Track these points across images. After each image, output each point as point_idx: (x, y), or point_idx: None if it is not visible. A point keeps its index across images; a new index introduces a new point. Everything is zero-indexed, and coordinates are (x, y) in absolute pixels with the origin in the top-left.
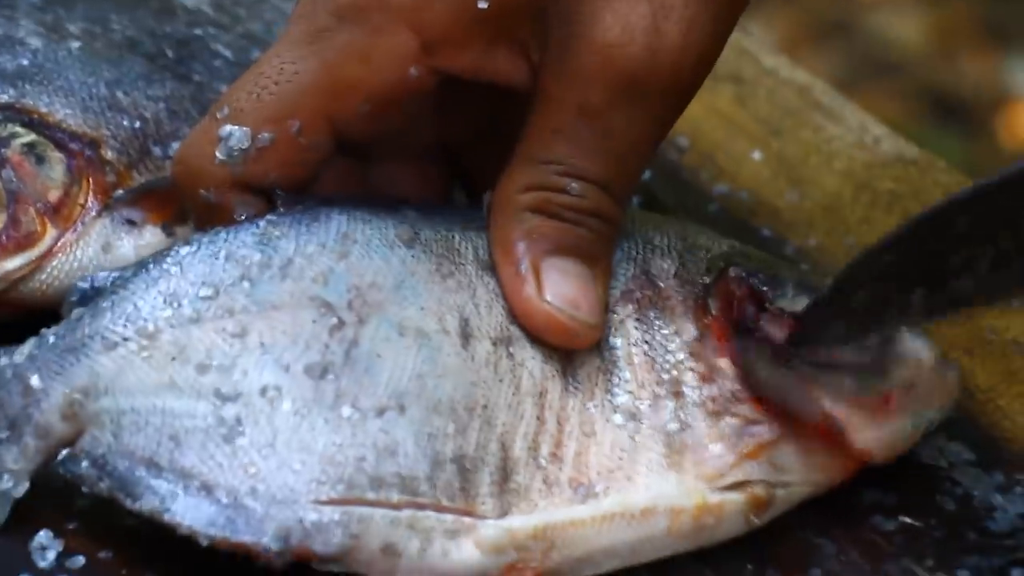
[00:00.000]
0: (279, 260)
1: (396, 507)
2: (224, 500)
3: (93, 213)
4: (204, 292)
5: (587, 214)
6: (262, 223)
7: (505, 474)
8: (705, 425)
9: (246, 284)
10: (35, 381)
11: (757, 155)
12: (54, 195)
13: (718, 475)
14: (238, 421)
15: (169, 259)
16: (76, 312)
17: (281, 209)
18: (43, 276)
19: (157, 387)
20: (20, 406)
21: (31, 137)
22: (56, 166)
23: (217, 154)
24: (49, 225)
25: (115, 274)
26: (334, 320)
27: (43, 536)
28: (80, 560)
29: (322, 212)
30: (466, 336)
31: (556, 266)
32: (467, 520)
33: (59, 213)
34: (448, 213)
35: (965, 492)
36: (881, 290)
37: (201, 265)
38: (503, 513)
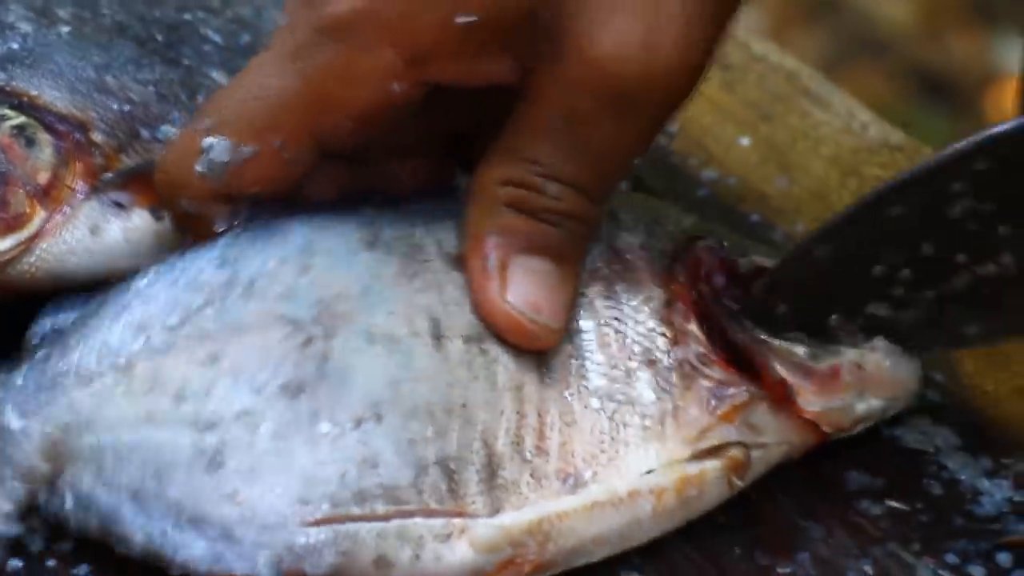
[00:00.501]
0: (242, 281)
1: (384, 518)
2: (212, 532)
3: (81, 196)
4: (171, 321)
5: (562, 216)
6: (220, 244)
7: (491, 471)
8: (680, 388)
9: (210, 309)
10: (13, 422)
11: (745, 141)
12: (43, 177)
13: (698, 436)
14: (218, 450)
15: (130, 292)
16: (41, 353)
17: (237, 226)
18: (32, 258)
19: (135, 421)
20: None
21: (20, 119)
22: (45, 148)
23: (197, 166)
24: (38, 207)
25: (74, 313)
26: (302, 337)
27: (33, 520)
28: (69, 544)
29: (281, 224)
30: (437, 337)
31: (523, 265)
32: (458, 521)
33: (48, 195)
34: (407, 207)
35: (952, 476)
36: (801, 303)
37: (163, 294)
38: (495, 510)
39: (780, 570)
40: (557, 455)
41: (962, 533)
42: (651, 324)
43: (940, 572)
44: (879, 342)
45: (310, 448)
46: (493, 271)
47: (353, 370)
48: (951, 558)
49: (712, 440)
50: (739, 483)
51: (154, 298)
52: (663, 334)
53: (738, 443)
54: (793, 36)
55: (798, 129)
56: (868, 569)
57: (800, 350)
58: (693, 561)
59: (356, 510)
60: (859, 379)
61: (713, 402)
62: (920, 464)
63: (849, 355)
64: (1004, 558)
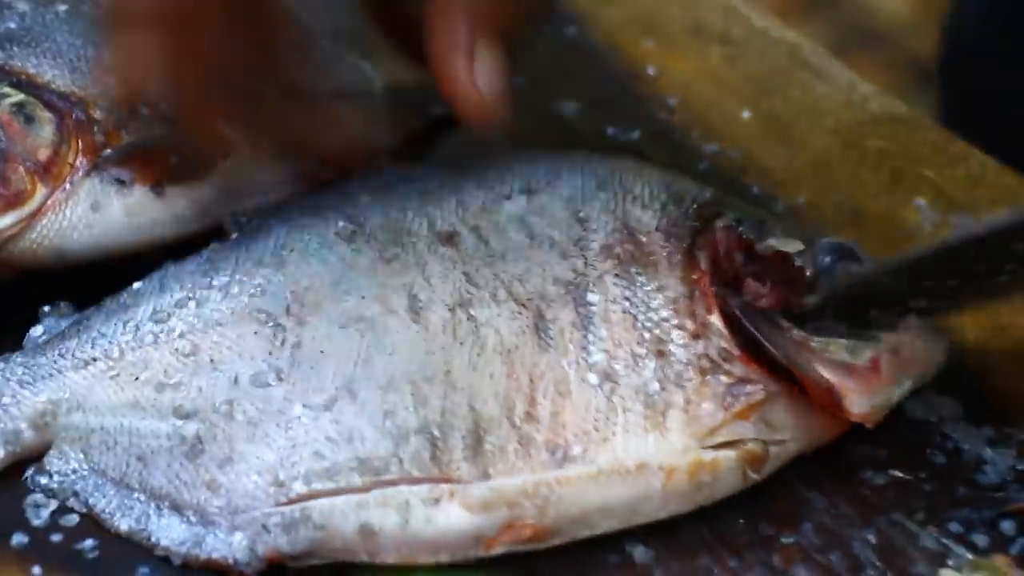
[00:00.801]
0: (220, 282)
1: (362, 490)
2: (192, 518)
3: (82, 172)
4: (157, 317)
5: None
6: (206, 252)
7: (478, 436)
8: (695, 383)
9: (192, 306)
10: (6, 389)
11: (747, 114)
12: (43, 154)
13: (708, 433)
14: (198, 438)
15: (124, 293)
16: (43, 339)
17: (232, 233)
18: (33, 235)
19: (123, 407)
20: None
21: (20, 97)
22: (45, 125)
23: None
24: (39, 184)
25: (75, 315)
26: (274, 328)
27: (37, 495)
28: (74, 518)
29: (262, 229)
30: (415, 310)
31: (485, 53)
32: (445, 486)
33: (49, 172)
34: (408, 186)
35: (955, 446)
36: (847, 308)
37: (153, 295)
38: (481, 476)
39: (784, 540)
40: (547, 425)
41: (966, 502)
42: (665, 314)
43: (944, 541)
44: (912, 320)
45: (283, 432)
46: (460, 60)
47: (325, 354)
48: (955, 527)
49: (724, 436)
50: (754, 476)
51: (144, 297)
52: (680, 326)
53: (755, 439)
54: (792, 27)
55: (799, 102)
56: (872, 538)
57: (839, 345)
58: (697, 532)
59: (331, 485)
60: (896, 365)
61: (728, 399)
62: (924, 434)
63: (886, 342)
64: (1008, 526)
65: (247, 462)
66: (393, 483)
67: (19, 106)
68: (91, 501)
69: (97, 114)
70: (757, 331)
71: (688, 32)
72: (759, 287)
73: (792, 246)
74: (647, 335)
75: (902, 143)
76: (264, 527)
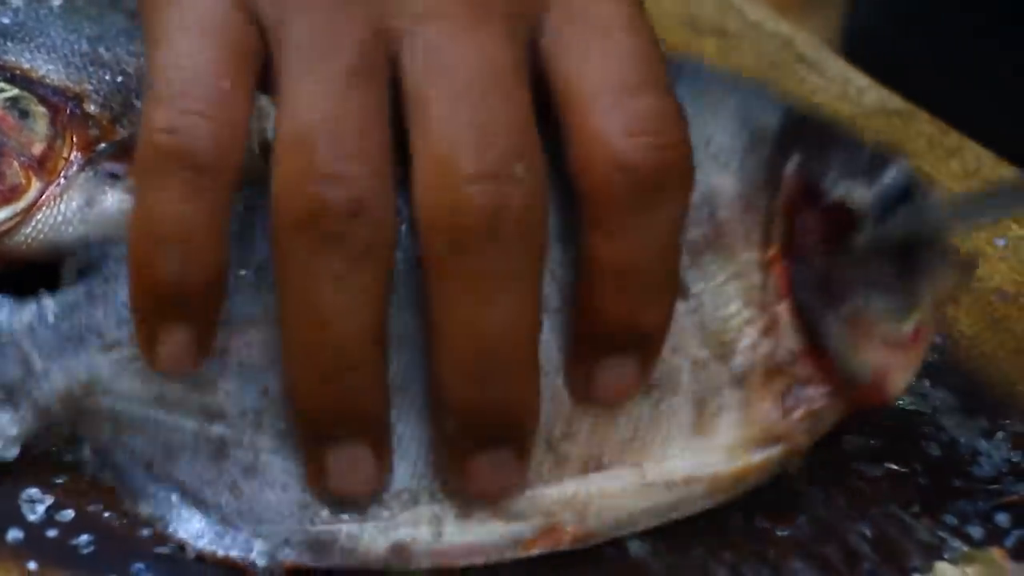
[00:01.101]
0: (253, 277)
1: (391, 514)
2: (213, 515)
3: (76, 167)
4: None
5: None
6: (240, 245)
7: None
8: (756, 385)
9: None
10: (35, 358)
11: None
12: (38, 148)
13: (760, 435)
14: (223, 442)
15: None
16: (75, 288)
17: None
18: (28, 229)
19: (149, 399)
20: (18, 377)
21: (14, 92)
22: (39, 120)
23: None
24: (34, 178)
25: (113, 245)
26: None
27: (32, 490)
28: (70, 513)
29: None
30: None
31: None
32: (477, 500)
33: (43, 167)
34: None
35: (950, 438)
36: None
37: None
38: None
39: (779, 533)
40: (584, 440)
41: (961, 494)
42: (733, 309)
43: (939, 533)
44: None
45: None
46: None
47: None
48: (950, 519)
49: (774, 437)
50: (791, 470)
51: None
52: (750, 322)
53: (803, 435)
54: (790, 24)
55: (794, 95)
56: (867, 531)
57: (887, 316)
58: (693, 525)
59: (359, 510)
60: (931, 324)
61: (789, 402)
62: (918, 426)
63: (927, 302)
64: (1003, 518)
65: (272, 474)
66: (423, 502)
67: (13, 101)
68: (119, 477)
69: (91, 109)
70: (818, 323)
71: (683, 25)
72: (813, 222)
73: (860, 196)
74: (711, 338)
75: (897, 135)
76: (286, 541)
